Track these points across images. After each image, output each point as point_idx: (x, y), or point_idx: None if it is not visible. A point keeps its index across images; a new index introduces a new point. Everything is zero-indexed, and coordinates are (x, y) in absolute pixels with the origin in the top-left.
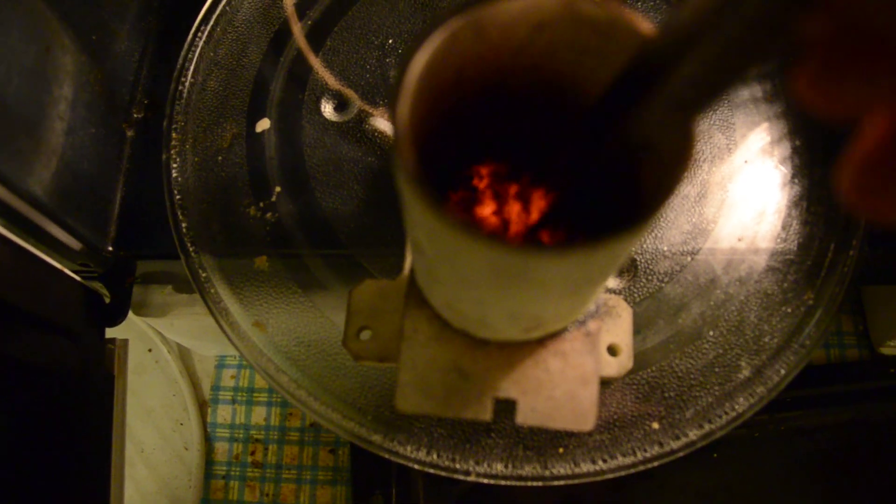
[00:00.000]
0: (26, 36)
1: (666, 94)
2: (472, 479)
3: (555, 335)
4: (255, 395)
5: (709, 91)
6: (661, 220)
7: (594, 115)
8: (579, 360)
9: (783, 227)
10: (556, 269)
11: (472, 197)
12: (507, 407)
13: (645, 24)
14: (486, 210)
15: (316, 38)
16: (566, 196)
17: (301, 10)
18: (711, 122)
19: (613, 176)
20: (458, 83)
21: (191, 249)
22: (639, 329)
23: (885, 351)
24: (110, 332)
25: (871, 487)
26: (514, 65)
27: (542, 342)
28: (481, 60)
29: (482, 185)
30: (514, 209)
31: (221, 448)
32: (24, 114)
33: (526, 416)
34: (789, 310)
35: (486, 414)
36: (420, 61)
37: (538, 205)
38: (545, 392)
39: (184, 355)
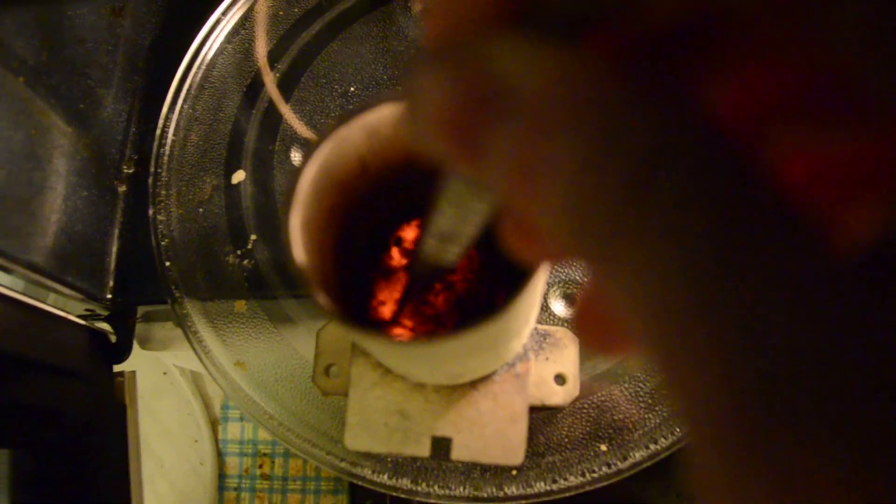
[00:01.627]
0: (13, 124)
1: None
2: (433, 500)
3: (486, 378)
4: None
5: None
6: None
7: None
8: (508, 399)
9: None
10: (441, 351)
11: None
12: (449, 444)
13: None
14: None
15: (285, 88)
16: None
17: (270, 62)
18: None
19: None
20: (364, 172)
21: (177, 295)
22: (589, 356)
23: None
24: (120, 366)
25: None
26: (412, 151)
27: (473, 385)
28: (381, 151)
29: (399, 248)
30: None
31: (233, 462)
32: (16, 194)
33: (460, 452)
34: None
35: (425, 451)
36: (309, 173)
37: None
38: (477, 430)
39: (195, 377)
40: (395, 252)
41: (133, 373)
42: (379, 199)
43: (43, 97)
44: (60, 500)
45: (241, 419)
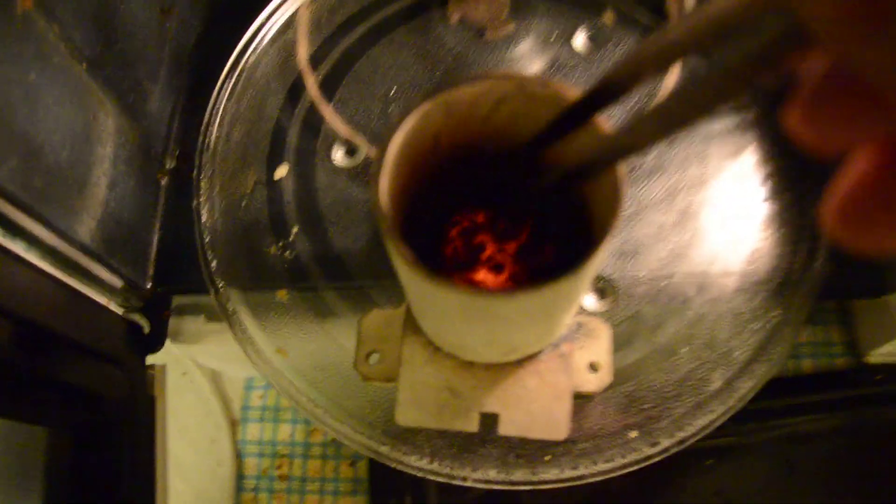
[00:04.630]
0: (77, 107)
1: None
2: (468, 484)
3: (532, 357)
4: (280, 413)
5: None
6: (641, 248)
7: (530, 148)
8: (553, 378)
9: (751, 251)
10: (513, 307)
11: (469, 229)
12: (496, 420)
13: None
14: (467, 253)
15: (327, 89)
16: (536, 232)
17: (312, 65)
18: (687, 155)
19: (570, 219)
20: (435, 148)
21: (219, 285)
22: (619, 347)
23: (871, 359)
24: (150, 359)
25: (859, 491)
26: (483, 130)
27: (520, 363)
28: (454, 129)
29: (458, 232)
30: (490, 247)
31: (251, 463)
32: (74, 174)
33: (507, 427)
34: (757, 326)
35: (473, 426)
36: (397, 142)
37: (512, 243)
38: (523, 406)
39: (215, 378)
40: (453, 233)
41: (164, 366)
42: (443, 180)
43: (100, 86)
44: (90, 485)
45: (261, 420)
